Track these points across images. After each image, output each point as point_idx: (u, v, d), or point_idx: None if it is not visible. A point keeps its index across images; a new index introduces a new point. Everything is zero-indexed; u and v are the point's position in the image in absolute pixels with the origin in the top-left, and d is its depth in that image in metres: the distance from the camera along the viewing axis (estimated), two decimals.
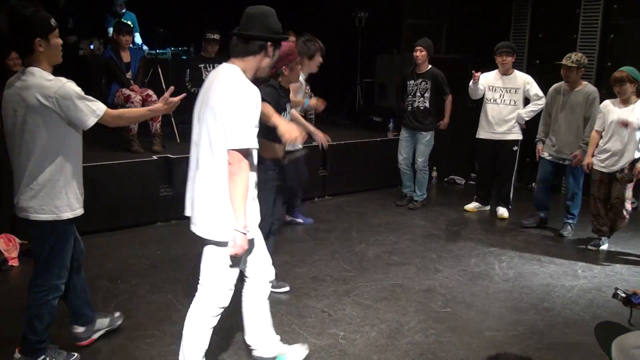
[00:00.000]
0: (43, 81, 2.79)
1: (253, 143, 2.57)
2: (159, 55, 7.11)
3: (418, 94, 6.17)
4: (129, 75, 6.09)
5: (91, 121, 2.86)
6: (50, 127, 2.82)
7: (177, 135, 6.48)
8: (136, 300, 3.99)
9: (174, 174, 5.60)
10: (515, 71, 5.96)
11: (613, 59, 6.73)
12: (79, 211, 3.01)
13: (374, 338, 3.56)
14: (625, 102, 4.89)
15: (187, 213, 2.81)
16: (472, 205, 6.40)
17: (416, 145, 6.35)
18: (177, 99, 3.20)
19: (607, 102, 5.08)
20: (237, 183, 2.55)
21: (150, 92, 6.01)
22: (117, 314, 3.58)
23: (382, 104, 8.52)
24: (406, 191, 6.57)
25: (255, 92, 2.61)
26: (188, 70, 6.60)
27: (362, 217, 6.09)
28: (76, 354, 3.26)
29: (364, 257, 4.91)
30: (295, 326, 3.69)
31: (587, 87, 5.38)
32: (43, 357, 3.08)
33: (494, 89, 5.92)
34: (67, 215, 2.94)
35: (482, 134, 6.07)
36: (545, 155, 5.59)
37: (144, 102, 5.86)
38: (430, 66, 6.15)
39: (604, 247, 5.25)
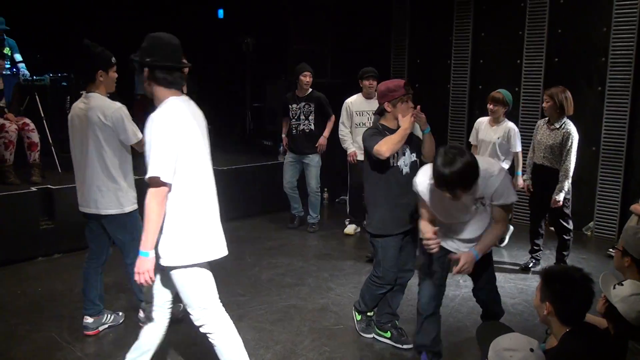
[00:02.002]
0: (104, 103, 3.54)
1: None
2: (37, 81, 6.76)
3: (302, 117, 6.28)
4: (2, 103, 5.75)
5: (132, 140, 3.57)
6: (109, 141, 3.53)
7: (58, 165, 6.18)
8: (15, 341, 3.74)
9: (56, 206, 5.33)
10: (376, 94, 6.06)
11: (483, 83, 7.29)
12: (136, 205, 3.69)
13: None
14: (495, 122, 5.32)
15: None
16: (350, 228, 6.49)
17: (305, 168, 6.46)
18: None
19: (482, 119, 5.51)
20: None
21: (27, 120, 5.71)
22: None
23: (272, 128, 8.61)
24: (295, 212, 6.67)
25: None
26: (68, 98, 6.33)
27: (255, 241, 6.10)
28: (121, 313, 4.09)
29: (258, 281, 4.93)
30: (188, 356, 3.63)
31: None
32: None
33: (361, 113, 5.95)
34: (130, 208, 3.68)
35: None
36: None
37: (21, 130, 5.55)
38: (311, 89, 6.32)
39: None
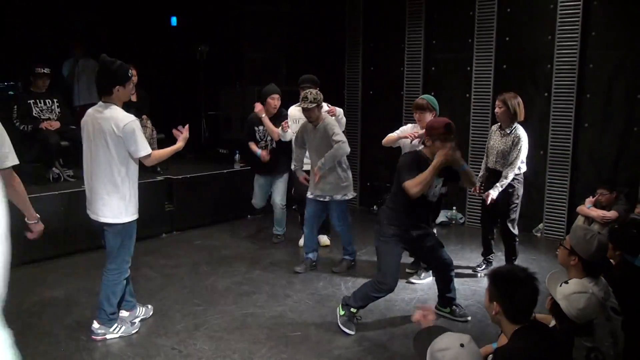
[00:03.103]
0: (118, 115, 3.67)
1: None
2: None
3: (269, 137, 6.08)
4: None
5: (141, 154, 3.71)
6: (119, 151, 3.66)
7: None
8: None
9: None
10: None
11: (435, 89, 7.43)
12: (137, 215, 3.86)
13: None
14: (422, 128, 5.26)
15: None
16: (325, 239, 6.30)
17: (274, 184, 6.24)
18: (186, 133, 4.01)
19: (409, 126, 5.31)
20: None
21: None
22: (149, 307, 4.33)
23: (227, 136, 8.57)
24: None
25: None
26: (15, 107, 6.15)
27: (211, 250, 6.04)
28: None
29: (215, 290, 4.89)
30: None
31: (327, 120, 5.21)
32: (116, 325, 3.93)
33: (297, 121, 5.79)
34: (130, 218, 3.81)
35: (295, 166, 5.91)
36: (309, 194, 5.34)
37: None
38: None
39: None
